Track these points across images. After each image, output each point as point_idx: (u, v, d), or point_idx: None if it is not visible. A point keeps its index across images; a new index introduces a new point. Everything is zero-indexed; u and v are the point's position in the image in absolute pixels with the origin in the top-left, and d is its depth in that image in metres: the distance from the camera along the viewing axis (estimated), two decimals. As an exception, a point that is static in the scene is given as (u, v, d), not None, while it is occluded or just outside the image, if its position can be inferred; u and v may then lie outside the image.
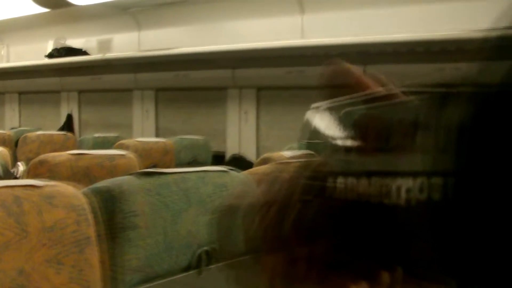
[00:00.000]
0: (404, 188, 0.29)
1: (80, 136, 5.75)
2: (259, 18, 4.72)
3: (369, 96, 0.36)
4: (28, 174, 2.16)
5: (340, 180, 0.33)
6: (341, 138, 0.36)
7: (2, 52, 7.47)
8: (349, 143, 0.36)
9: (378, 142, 0.32)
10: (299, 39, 4.42)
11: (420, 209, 0.28)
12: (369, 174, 0.32)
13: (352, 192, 0.32)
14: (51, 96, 6.86)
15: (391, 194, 0.29)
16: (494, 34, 0.29)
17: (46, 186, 1.21)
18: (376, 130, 0.33)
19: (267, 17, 4.67)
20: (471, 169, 0.26)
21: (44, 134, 4.20)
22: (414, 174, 0.28)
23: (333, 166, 0.37)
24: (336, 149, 0.38)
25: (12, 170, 2.95)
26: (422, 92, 0.31)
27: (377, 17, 3.96)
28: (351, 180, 0.32)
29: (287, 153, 2.73)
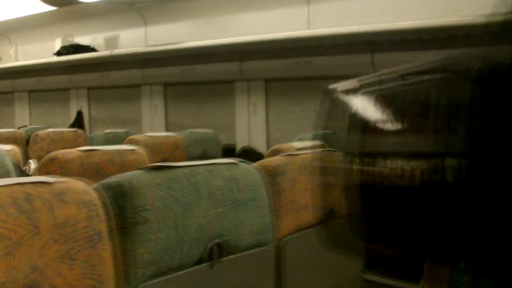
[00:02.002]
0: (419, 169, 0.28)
1: (90, 133, 5.77)
2: (265, 9, 4.70)
3: (384, 77, 0.36)
4: (40, 171, 2.17)
5: (357, 162, 0.33)
6: (358, 119, 0.36)
7: (11, 52, 7.50)
8: (365, 124, 0.35)
9: (393, 122, 0.32)
10: (306, 29, 4.41)
11: (434, 190, 0.28)
12: (385, 155, 0.32)
13: (368, 175, 0.32)
14: (60, 94, 6.89)
15: (405, 175, 0.29)
16: (496, 19, 0.29)
17: (57, 182, 1.21)
18: (391, 111, 0.33)
19: (273, 8, 4.65)
20: (483, 149, 0.26)
21: (54, 132, 4.22)
22: (428, 156, 0.28)
23: (350, 148, 0.37)
24: (353, 129, 0.38)
25: (24, 168, 2.97)
26: (432, 74, 0.31)
27: (383, 5, 3.94)
28: (367, 161, 0.32)
29: (297, 144, 2.73)
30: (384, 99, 0.37)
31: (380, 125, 0.35)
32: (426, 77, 0.32)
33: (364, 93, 0.38)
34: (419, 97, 0.32)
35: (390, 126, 0.33)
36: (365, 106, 0.38)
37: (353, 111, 0.38)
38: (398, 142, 0.32)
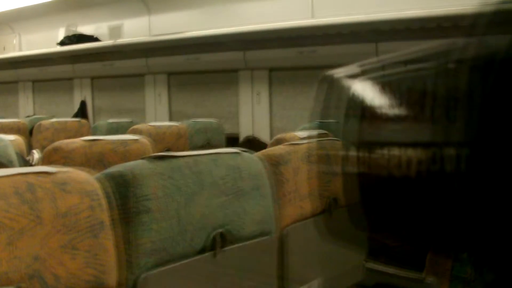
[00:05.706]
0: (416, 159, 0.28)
1: (94, 123, 5.77)
2: (269, -2, 4.69)
3: (381, 64, 0.36)
4: (43, 161, 2.17)
5: (353, 152, 0.33)
6: (356, 107, 0.35)
7: (14, 41, 7.50)
8: (364, 111, 0.35)
9: (392, 110, 0.31)
10: (310, 18, 4.39)
11: (432, 181, 0.27)
12: (382, 145, 0.31)
13: (364, 164, 0.32)
14: (64, 84, 6.89)
15: (401, 165, 0.28)
16: (494, 8, 0.28)
17: (59, 172, 1.21)
18: (389, 98, 0.32)
19: (276, -3, 4.64)
20: (483, 139, 0.25)
21: (58, 122, 4.21)
22: (426, 145, 0.28)
23: (349, 137, 0.36)
24: (351, 117, 0.37)
25: (27, 158, 2.97)
26: (430, 61, 0.31)
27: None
28: (366, 150, 0.32)
29: (300, 133, 2.73)
30: (382, 86, 0.36)
31: (379, 113, 0.34)
32: (424, 64, 0.31)
33: (362, 80, 0.38)
34: (418, 84, 0.31)
35: (389, 114, 0.33)
36: (363, 93, 0.37)
37: (351, 98, 0.38)
38: (397, 130, 0.31)
